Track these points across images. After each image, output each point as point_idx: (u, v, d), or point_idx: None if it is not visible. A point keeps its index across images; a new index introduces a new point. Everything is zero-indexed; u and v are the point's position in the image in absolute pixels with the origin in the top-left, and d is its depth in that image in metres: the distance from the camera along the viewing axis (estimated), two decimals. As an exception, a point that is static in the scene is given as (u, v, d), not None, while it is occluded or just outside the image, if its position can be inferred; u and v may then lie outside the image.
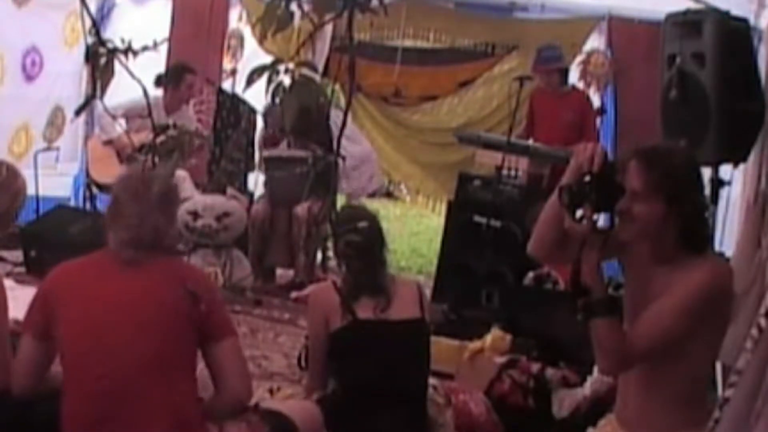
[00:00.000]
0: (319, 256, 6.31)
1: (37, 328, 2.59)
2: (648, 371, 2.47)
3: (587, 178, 2.38)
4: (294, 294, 5.62)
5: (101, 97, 4.32)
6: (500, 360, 4.01)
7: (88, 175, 6.51)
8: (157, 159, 4.63)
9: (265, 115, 6.31)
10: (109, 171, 6.22)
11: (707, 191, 2.51)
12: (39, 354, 2.60)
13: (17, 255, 5.81)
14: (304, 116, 5.28)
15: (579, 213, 2.38)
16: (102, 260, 2.62)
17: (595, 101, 6.53)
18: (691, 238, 2.45)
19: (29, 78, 6.96)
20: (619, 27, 6.57)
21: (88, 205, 6.57)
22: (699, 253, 2.46)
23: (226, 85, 7.04)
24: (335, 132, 5.92)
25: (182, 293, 2.50)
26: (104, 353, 2.45)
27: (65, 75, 7.21)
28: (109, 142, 6.30)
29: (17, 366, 2.65)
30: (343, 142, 5.87)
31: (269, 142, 6.35)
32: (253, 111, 6.67)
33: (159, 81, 6.15)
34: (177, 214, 2.86)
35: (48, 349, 2.58)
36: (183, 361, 2.53)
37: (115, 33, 5.36)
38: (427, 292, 4.04)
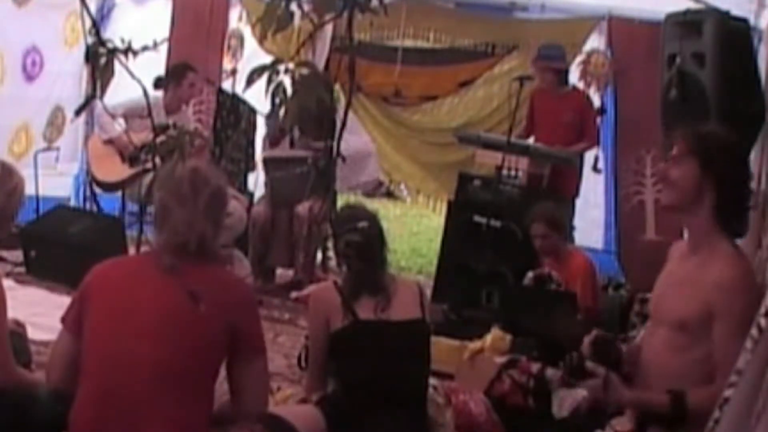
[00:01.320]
0: (319, 256, 6.31)
1: (72, 323, 2.54)
2: (676, 371, 2.54)
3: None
4: (294, 294, 5.61)
5: (101, 97, 4.31)
6: (500, 360, 4.01)
7: (89, 173, 6.50)
8: (158, 159, 4.62)
9: (268, 119, 6.30)
10: (111, 169, 6.22)
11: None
12: (72, 349, 2.53)
13: (17, 255, 5.81)
14: (311, 112, 5.25)
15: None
16: (144, 262, 2.56)
17: (595, 101, 6.53)
18: (726, 213, 2.52)
19: (29, 78, 6.96)
20: (619, 27, 6.57)
21: (88, 205, 6.57)
22: (732, 236, 2.53)
23: (226, 85, 7.04)
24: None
25: (183, 296, 2.42)
26: (114, 358, 2.41)
27: (65, 75, 7.21)
28: (109, 141, 6.30)
29: (52, 358, 2.64)
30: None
31: (273, 142, 6.35)
32: (253, 111, 6.67)
33: (158, 83, 6.12)
34: (223, 219, 2.66)
35: (81, 345, 2.51)
36: (192, 372, 2.43)
37: (115, 33, 5.36)
38: (427, 292, 4.03)
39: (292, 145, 6.28)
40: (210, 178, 2.59)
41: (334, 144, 5.84)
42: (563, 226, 5.15)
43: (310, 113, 4.89)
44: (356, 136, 6.64)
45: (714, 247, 2.51)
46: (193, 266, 2.49)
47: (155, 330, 2.41)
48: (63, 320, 2.59)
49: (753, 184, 2.74)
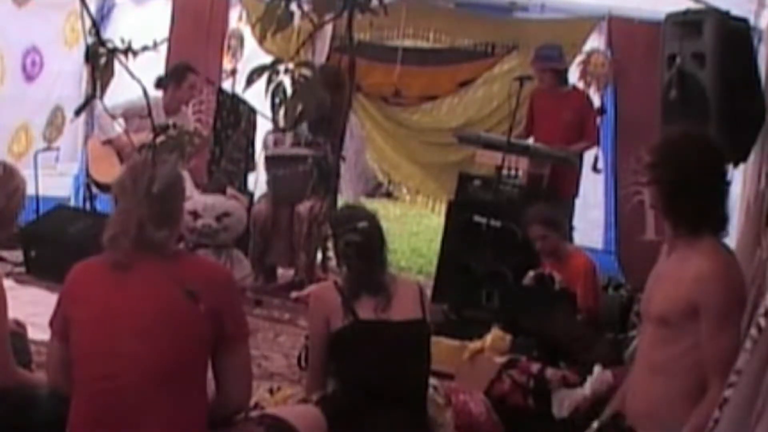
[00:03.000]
0: (319, 256, 6.31)
1: (59, 329, 2.53)
2: (657, 365, 2.57)
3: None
4: (294, 294, 5.60)
5: (101, 97, 4.31)
6: (500, 360, 4.01)
7: (88, 175, 6.51)
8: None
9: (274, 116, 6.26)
10: (110, 171, 6.22)
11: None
12: (64, 355, 2.51)
13: (17, 255, 5.81)
14: (311, 111, 5.23)
15: None
16: (118, 260, 2.52)
17: (595, 101, 6.53)
18: (671, 213, 2.61)
19: (29, 78, 6.96)
20: (619, 27, 6.57)
21: (88, 205, 6.57)
22: (694, 235, 2.57)
23: (226, 85, 7.04)
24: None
25: (180, 295, 2.40)
26: (104, 358, 2.39)
27: (65, 75, 7.21)
28: (108, 142, 6.30)
29: (48, 363, 2.64)
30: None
31: (276, 141, 6.34)
32: (253, 111, 6.66)
33: (160, 83, 6.12)
34: (177, 210, 2.62)
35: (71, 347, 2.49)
36: (189, 370, 2.42)
37: (115, 33, 5.33)
38: (427, 292, 4.04)
39: (293, 144, 6.27)
40: (149, 167, 2.58)
41: (336, 143, 5.86)
42: (561, 225, 5.14)
43: (310, 113, 4.89)
44: (353, 139, 6.62)
45: (692, 244, 2.57)
46: (146, 260, 2.45)
47: (129, 328, 2.39)
48: (50, 324, 2.58)
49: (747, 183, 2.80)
